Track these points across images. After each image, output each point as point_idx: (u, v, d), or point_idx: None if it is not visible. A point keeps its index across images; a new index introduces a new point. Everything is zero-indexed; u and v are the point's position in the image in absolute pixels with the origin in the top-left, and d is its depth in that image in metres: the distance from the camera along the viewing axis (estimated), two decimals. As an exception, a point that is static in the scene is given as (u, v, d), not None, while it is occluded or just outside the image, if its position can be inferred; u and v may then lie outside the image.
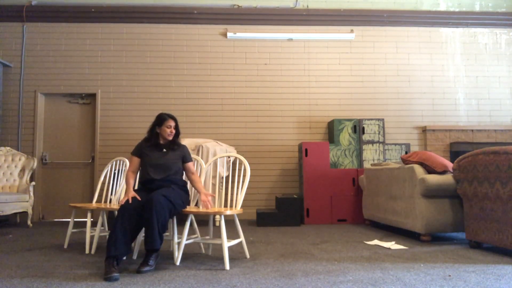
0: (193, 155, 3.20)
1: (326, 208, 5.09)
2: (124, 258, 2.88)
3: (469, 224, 3.25)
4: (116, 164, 4.12)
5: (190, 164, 3.04)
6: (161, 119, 2.95)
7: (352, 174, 5.16)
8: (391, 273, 2.43)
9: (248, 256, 2.94)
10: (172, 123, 2.95)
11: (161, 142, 2.97)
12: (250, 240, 3.76)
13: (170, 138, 2.95)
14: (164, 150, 2.94)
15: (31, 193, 5.00)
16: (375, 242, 3.54)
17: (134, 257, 2.93)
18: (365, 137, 5.53)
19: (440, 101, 6.08)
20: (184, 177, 3.10)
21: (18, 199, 4.81)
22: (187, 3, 6.00)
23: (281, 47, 6.04)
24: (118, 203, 3.42)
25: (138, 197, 2.67)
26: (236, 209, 2.79)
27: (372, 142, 5.53)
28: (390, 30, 6.15)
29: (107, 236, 3.64)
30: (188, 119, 5.85)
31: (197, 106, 5.88)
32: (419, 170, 3.62)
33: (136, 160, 2.97)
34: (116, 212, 3.50)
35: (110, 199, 4.60)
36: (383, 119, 5.58)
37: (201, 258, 2.94)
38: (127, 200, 2.63)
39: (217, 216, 4.93)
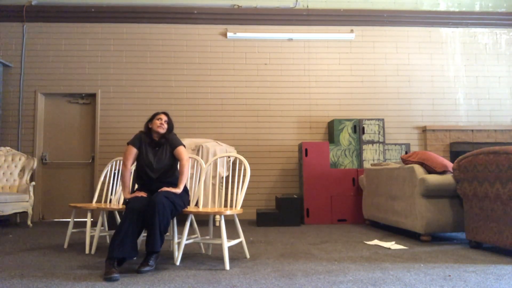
0: (193, 155, 3.20)
1: (326, 208, 5.09)
2: (135, 258, 2.86)
3: (469, 224, 3.25)
4: (116, 164, 4.12)
5: (179, 149, 2.92)
6: (152, 115, 3.01)
7: (352, 174, 5.16)
8: (391, 273, 2.43)
9: (248, 256, 2.94)
10: (163, 117, 2.96)
11: (155, 138, 2.96)
12: (250, 240, 3.76)
13: (161, 130, 2.91)
14: (157, 148, 2.94)
15: (31, 193, 5.00)
16: (375, 242, 3.54)
17: (135, 258, 2.93)
18: (365, 137, 5.53)
19: (440, 101, 6.08)
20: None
21: (18, 199, 4.81)
22: (187, 3, 6.00)
23: (281, 47, 6.04)
24: (124, 203, 3.36)
25: (144, 194, 2.73)
26: (236, 209, 2.79)
27: (372, 142, 5.53)
28: (390, 30, 6.16)
29: (110, 236, 3.65)
30: (188, 119, 5.85)
31: (197, 106, 5.88)
32: (419, 170, 3.62)
33: (134, 151, 2.91)
34: (118, 212, 3.49)
35: (110, 199, 4.61)
36: (383, 119, 5.58)
37: (201, 258, 2.94)
38: (135, 202, 2.60)
39: (217, 216, 4.93)
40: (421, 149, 5.98)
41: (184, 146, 3.00)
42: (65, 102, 5.93)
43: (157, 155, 2.90)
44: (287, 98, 5.95)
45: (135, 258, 2.88)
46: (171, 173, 2.93)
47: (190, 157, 3.12)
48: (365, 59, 6.09)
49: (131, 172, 3.04)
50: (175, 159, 2.97)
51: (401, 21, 6.13)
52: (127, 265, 2.68)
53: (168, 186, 2.83)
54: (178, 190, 2.76)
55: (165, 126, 2.95)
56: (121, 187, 3.52)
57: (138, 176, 2.94)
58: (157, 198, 2.56)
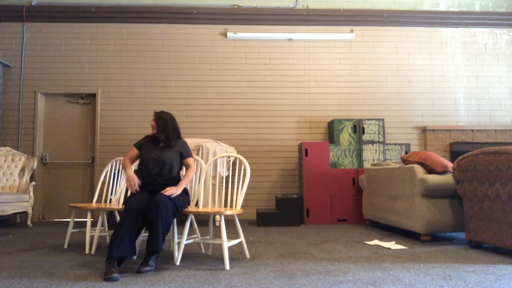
0: (193, 155, 3.20)
1: (326, 208, 5.09)
2: (135, 257, 2.87)
3: (469, 224, 3.25)
4: (116, 164, 4.12)
5: (187, 160, 3.04)
6: None
7: (352, 174, 5.16)
8: (391, 273, 2.43)
9: (248, 256, 2.94)
10: (151, 119, 3.08)
11: (159, 136, 3.01)
12: (250, 240, 3.76)
13: (154, 131, 3.01)
14: (161, 144, 2.98)
15: (31, 193, 5.00)
16: (375, 242, 3.54)
17: (134, 257, 2.93)
18: (365, 137, 5.53)
19: (440, 101, 6.08)
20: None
21: (18, 199, 4.81)
22: (187, 3, 6.00)
23: (281, 47, 6.04)
24: (123, 202, 3.37)
25: (139, 184, 2.81)
26: (236, 209, 2.79)
27: (372, 142, 5.53)
28: (390, 30, 6.16)
29: (110, 236, 3.65)
30: (188, 119, 5.85)
31: (197, 106, 5.88)
32: (419, 170, 3.62)
33: (135, 151, 3.06)
34: (118, 212, 3.49)
35: (110, 199, 4.61)
36: (383, 119, 5.58)
37: (201, 258, 2.94)
38: (133, 201, 2.61)
39: (217, 216, 4.93)
40: (421, 149, 5.98)
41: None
42: (65, 102, 5.93)
43: (157, 149, 2.95)
44: (287, 98, 5.95)
45: (134, 258, 2.88)
46: (171, 173, 2.93)
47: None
48: (365, 59, 6.09)
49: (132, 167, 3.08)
50: (178, 162, 3.00)
51: (401, 21, 6.13)
52: (127, 265, 2.68)
53: (167, 185, 2.84)
54: (178, 188, 2.78)
55: (155, 125, 3.02)
56: (121, 187, 3.52)
57: (139, 173, 2.96)
58: (161, 199, 2.57)
